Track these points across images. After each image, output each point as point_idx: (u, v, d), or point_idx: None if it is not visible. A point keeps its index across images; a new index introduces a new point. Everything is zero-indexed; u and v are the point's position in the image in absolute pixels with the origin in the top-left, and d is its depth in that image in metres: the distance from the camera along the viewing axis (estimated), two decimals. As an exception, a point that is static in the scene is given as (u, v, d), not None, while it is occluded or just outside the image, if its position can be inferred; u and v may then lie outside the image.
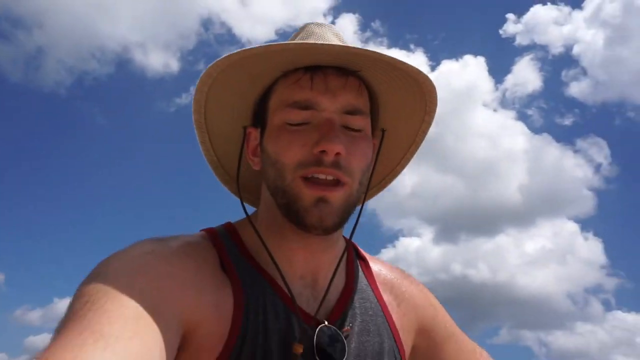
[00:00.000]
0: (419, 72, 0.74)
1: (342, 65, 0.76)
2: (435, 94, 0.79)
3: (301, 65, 0.75)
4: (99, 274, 0.65)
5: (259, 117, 0.81)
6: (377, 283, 0.89)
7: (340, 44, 0.80)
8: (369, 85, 0.79)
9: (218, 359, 0.68)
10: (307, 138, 0.73)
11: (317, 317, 0.76)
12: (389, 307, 0.86)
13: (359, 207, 0.81)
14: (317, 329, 0.74)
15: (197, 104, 0.80)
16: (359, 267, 0.89)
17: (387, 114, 0.84)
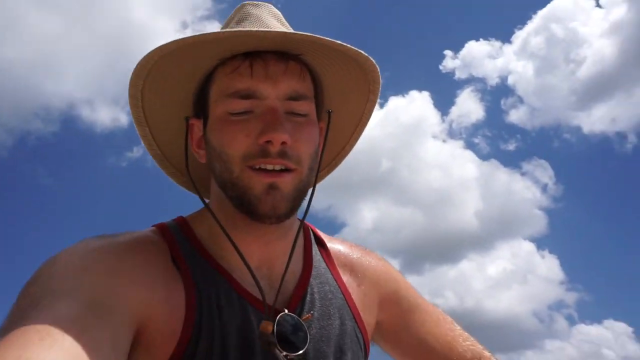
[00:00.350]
0: (359, 53, 0.73)
1: (282, 50, 0.73)
2: (378, 73, 0.79)
3: (239, 52, 0.73)
4: (44, 273, 0.63)
5: (200, 107, 0.79)
6: (336, 264, 0.88)
7: (280, 27, 0.78)
8: (311, 69, 0.78)
9: (173, 355, 0.67)
10: (251, 128, 0.71)
11: (275, 307, 0.74)
12: (349, 288, 0.86)
13: (310, 191, 0.80)
14: (278, 318, 0.72)
15: (133, 98, 0.76)
16: (317, 250, 0.88)
17: (332, 95, 0.83)
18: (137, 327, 0.65)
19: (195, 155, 0.82)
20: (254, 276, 0.73)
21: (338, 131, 0.87)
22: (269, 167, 0.70)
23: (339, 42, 0.70)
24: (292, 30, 0.78)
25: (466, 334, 0.93)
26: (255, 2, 0.83)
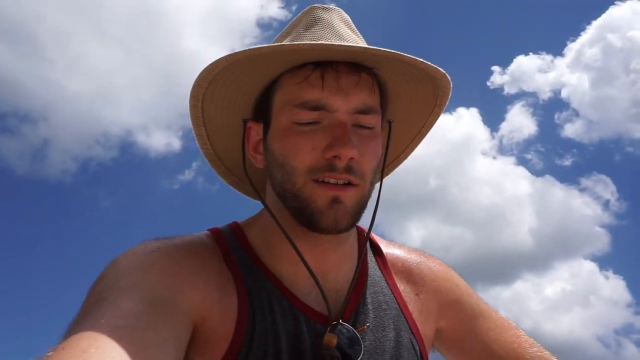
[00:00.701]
0: (437, 70, 0.72)
1: (355, 62, 0.71)
2: (450, 88, 0.77)
3: (310, 61, 0.71)
4: (108, 274, 0.65)
5: (261, 112, 0.77)
6: (393, 273, 0.87)
7: (353, 36, 0.76)
8: (380, 80, 0.76)
9: (225, 356, 0.68)
10: (318, 141, 0.70)
11: (329, 316, 0.74)
12: (406, 298, 0.84)
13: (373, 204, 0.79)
14: (331, 329, 0.72)
15: (194, 99, 0.76)
16: (372, 258, 0.87)
17: (396, 105, 0.82)
18: (194, 325, 0.67)
19: (251, 159, 0.81)
20: (319, 286, 0.73)
21: (394, 138, 0.84)
22: (333, 180, 0.69)
23: (420, 59, 0.69)
24: (364, 43, 0.77)
25: (532, 339, 0.90)
26: (325, 5, 0.80)
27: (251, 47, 0.67)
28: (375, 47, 0.66)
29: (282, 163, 0.72)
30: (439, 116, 0.84)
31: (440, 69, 0.72)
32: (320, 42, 0.69)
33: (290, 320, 0.72)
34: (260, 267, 0.76)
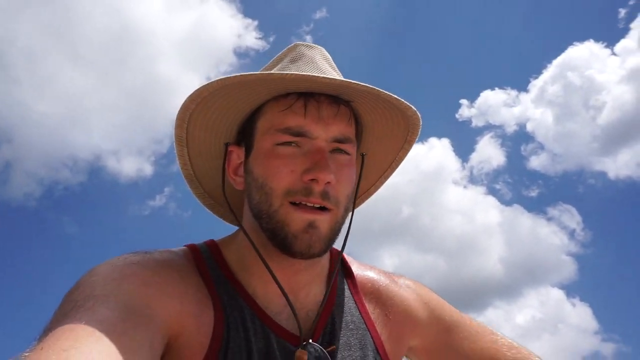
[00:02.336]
0: (409, 107, 0.77)
1: (334, 94, 0.77)
2: (419, 126, 0.82)
3: (293, 91, 0.76)
4: (86, 281, 0.66)
5: (244, 136, 0.81)
6: (362, 294, 0.88)
7: (332, 72, 0.82)
8: (356, 113, 0.81)
9: None
10: (297, 164, 0.73)
11: (298, 336, 0.76)
12: (374, 318, 0.86)
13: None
14: (302, 347, 0.74)
15: (180, 120, 0.79)
16: (343, 279, 0.89)
17: (369, 139, 0.86)
18: (169, 337, 0.68)
19: (230, 181, 0.83)
20: (291, 307, 0.75)
21: (366, 171, 0.89)
22: (309, 204, 0.72)
23: (394, 96, 0.74)
24: (342, 78, 0.82)
25: (509, 341, 0.92)
26: (308, 43, 0.86)
27: (242, 74, 0.71)
28: (355, 82, 0.72)
29: (262, 184, 0.75)
30: (408, 152, 0.88)
31: (412, 107, 0.78)
32: (305, 73, 0.73)
33: (261, 338, 0.74)
34: (235, 284, 0.78)
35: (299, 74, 0.71)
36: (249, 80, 0.72)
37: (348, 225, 0.81)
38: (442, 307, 0.93)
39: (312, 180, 0.72)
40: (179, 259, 0.77)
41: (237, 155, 0.83)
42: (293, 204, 0.73)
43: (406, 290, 0.93)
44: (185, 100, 0.76)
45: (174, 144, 0.82)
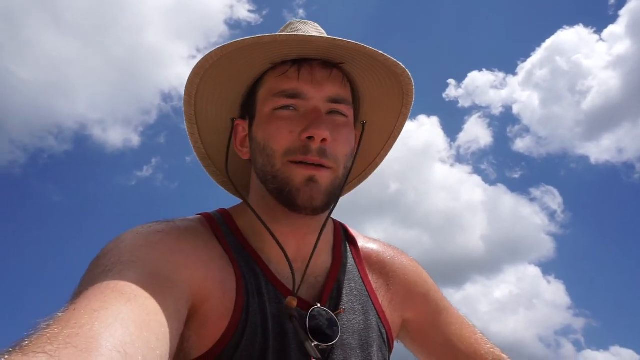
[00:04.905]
0: (397, 64, 0.80)
1: (326, 59, 0.80)
2: (412, 87, 0.84)
3: (288, 59, 0.80)
4: (113, 248, 0.68)
5: (247, 108, 0.85)
6: (367, 264, 0.93)
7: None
8: (350, 80, 0.84)
9: (223, 336, 0.72)
10: (295, 125, 0.77)
11: (307, 300, 0.80)
12: (375, 287, 0.90)
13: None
14: (312, 311, 0.78)
15: (188, 96, 0.82)
16: (348, 248, 0.93)
17: (367, 107, 0.89)
18: (194, 303, 0.70)
19: (238, 153, 0.87)
20: (292, 271, 0.77)
21: (369, 144, 0.92)
22: (308, 162, 0.76)
23: (380, 52, 0.77)
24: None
25: (486, 338, 0.97)
26: (303, 20, 0.91)
27: (238, 40, 0.75)
28: (341, 39, 0.75)
29: (264, 147, 0.79)
30: (407, 116, 0.90)
31: (400, 64, 0.80)
32: (295, 34, 0.78)
33: (274, 302, 0.77)
34: (250, 251, 0.81)
35: (290, 35, 0.76)
36: (247, 45, 0.76)
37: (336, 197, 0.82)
38: (436, 291, 0.98)
39: (309, 138, 0.76)
40: (200, 227, 0.81)
41: (242, 128, 0.87)
42: (294, 162, 0.76)
43: (409, 265, 0.97)
44: (190, 75, 0.80)
45: (185, 122, 0.85)
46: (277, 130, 0.78)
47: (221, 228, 0.83)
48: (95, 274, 0.62)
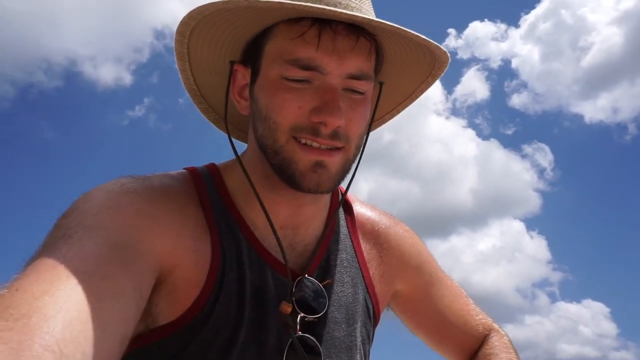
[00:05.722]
0: (438, 48, 0.69)
1: (353, 21, 0.67)
2: (448, 63, 0.75)
3: (308, 15, 0.66)
4: (80, 207, 0.63)
5: (250, 56, 0.74)
6: (360, 233, 0.88)
7: (357, 3, 0.71)
8: (378, 44, 0.72)
9: (194, 304, 0.69)
10: (306, 101, 0.68)
11: (295, 270, 0.76)
12: (368, 257, 0.87)
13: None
14: (297, 282, 0.74)
15: (180, 35, 0.72)
16: (343, 216, 0.88)
17: (388, 68, 0.79)
18: (162, 272, 0.66)
19: (235, 104, 0.78)
20: (277, 237, 0.72)
21: (382, 99, 0.82)
22: (316, 145, 0.68)
23: (423, 36, 0.66)
24: (371, 9, 0.73)
25: (478, 308, 0.97)
26: None
27: None
28: (380, 20, 0.63)
29: (266, 117, 0.70)
30: (431, 85, 0.82)
31: (442, 47, 0.70)
32: (322, 7, 0.63)
33: (257, 271, 0.73)
34: (235, 215, 0.76)
35: (313, 7, 0.62)
36: (258, 7, 0.64)
37: (357, 161, 0.77)
38: (430, 262, 0.95)
39: (320, 122, 0.67)
40: (179, 186, 0.74)
41: (242, 75, 0.76)
42: (299, 142, 0.68)
43: (404, 236, 0.93)
44: (184, 17, 0.69)
45: (175, 58, 0.77)
46: (283, 102, 0.68)
47: (206, 187, 0.76)
48: (56, 237, 0.58)
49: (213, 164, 0.81)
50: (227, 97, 0.77)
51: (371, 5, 0.74)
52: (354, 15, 0.63)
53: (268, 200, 0.74)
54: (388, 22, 0.63)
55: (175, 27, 0.74)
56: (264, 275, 0.73)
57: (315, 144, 0.68)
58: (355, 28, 0.68)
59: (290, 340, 0.71)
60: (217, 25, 0.71)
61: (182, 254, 0.68)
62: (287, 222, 0.77)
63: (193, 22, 0.70)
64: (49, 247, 0.56)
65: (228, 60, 0.76)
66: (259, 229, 0.76)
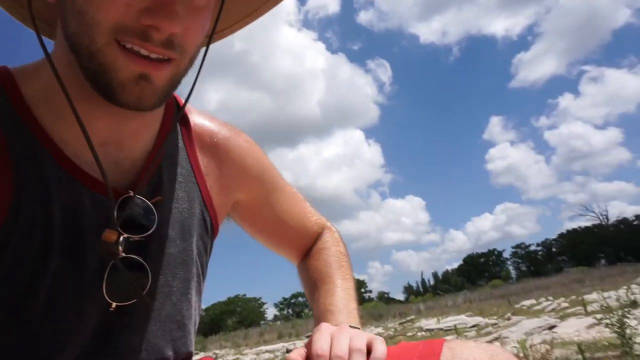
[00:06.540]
0: None
1: None
2: None
3: None
4: None
5: None
6: (198, 145, 0.82)
7: None
8: None
9: None
10: None
11: (118, 189, 0.68)
12: (205, 171, 0.82)
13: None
14: (122, 201, 0.67)
15: None
16: (178, 128, 0.80)
17: None
18: None
19: None
20: (94, 152, 0.62)
21: (226, 10, 0.74)
22: (144, 52, 0.56)
23: None
24: None
25: (314, 210, 1.02)
26: None
27: None
28: None
29: (81, 10, 0.56)
30: (279, 2, 0.77)
31: None
32: None
33: (68, 193, 0.63)
34: (35, 130, 0.63)
35: None
36: None
37: (197, 72, 0.69)
38: (270, 170, 0.95)
39: (151, 26, 0.55)
40: None
41: None
42: (123, 46, 0.56)
43: (245, 147, 0.90)
44: None
45: None
46: None
47: None
48: None
49: (5, 67, 0.66)
50: None
51: None
52: None
53: (81, 112, 0.61)
54: None
55: None
56: (78, 197, 0.64)
57: (143, 51, 0.56)
58: None
59: (113, 262, 0.64)
60: None
61: None
62: (108, 137, 0.66)
63: None
64: None
65: None
66: (71, 145, 0.65)
